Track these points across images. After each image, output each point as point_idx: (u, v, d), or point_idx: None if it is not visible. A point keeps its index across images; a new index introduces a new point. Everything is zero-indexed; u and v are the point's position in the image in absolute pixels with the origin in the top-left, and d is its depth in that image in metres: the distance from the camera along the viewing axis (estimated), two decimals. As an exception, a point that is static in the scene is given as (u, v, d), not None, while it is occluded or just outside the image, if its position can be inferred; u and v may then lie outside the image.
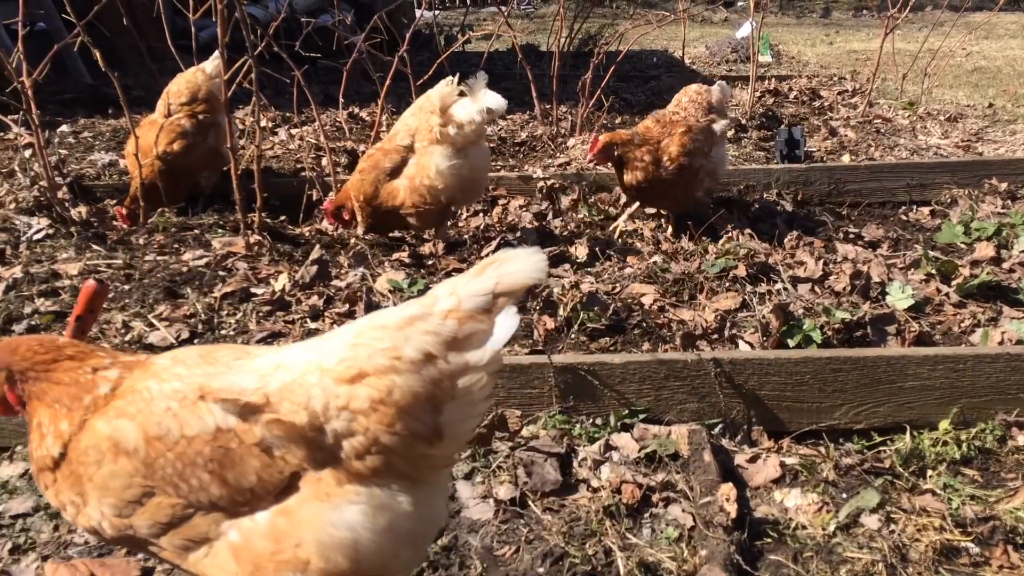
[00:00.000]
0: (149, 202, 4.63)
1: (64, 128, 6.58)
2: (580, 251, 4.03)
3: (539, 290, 3.54)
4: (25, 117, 4.59)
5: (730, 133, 6.18)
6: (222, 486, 1.58)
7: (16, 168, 5.40)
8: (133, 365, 1.73)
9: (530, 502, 2.43)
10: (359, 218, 4.01)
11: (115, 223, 4.58)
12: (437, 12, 6.41)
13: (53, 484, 1.67)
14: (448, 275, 3.78)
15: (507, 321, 1.58)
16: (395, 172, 3.84)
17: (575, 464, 2.56)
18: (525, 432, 2.67)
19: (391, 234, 4.25)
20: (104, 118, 6.99)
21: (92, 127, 6.74)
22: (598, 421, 2.72)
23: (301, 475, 1.57)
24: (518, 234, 4.16)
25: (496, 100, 3.71)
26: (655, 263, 3.90)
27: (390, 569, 1.64)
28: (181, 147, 4.70)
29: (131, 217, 4.59)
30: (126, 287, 3.64)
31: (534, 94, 6.58)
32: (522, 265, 1.56)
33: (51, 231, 4.33)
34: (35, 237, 4.25)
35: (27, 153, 5.93)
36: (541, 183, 4.90)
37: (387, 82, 4.92)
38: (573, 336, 3.24)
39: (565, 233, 4.40)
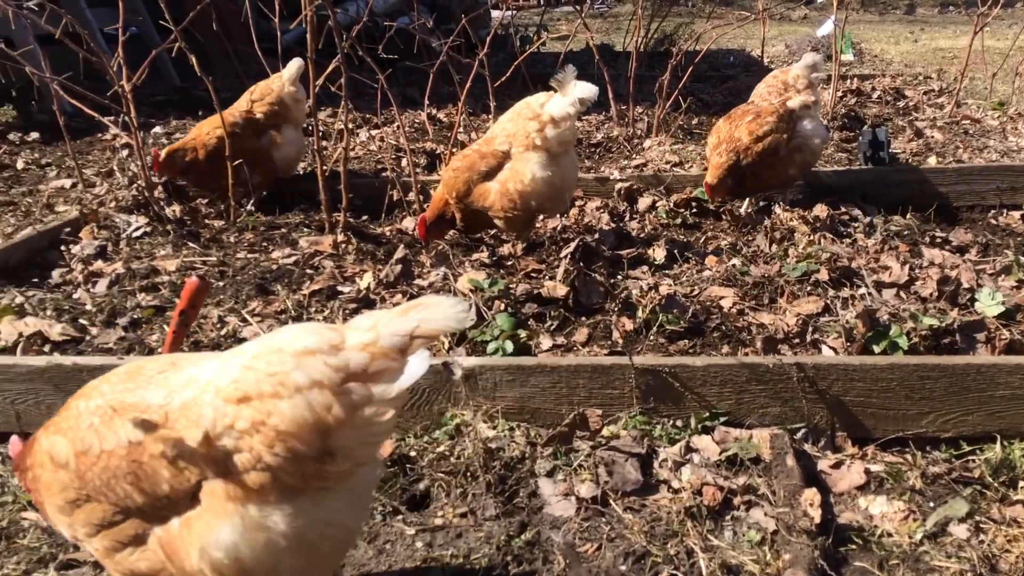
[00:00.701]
0: (192, 182, 4.86)
1: (157, 129, 6.86)
2: (658, 253, 4.04)
3: (618, 292, 3.57)
4: (125, 119, 4.82)
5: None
6: (141, 494, 1.71)
7: (115, 168, 5.67)
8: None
9: (611, 501, 2.46)
10: (455, 216, 4.10)
11: (208, 215, 4.79)
12: (513, 13, 6.45)
13: (25, 483, 1.91)
14: (527, 276, 3.84)
15: (418, 363, 1.65)
16: (489, 175, 3.92)
17: (655, 465, 2.58)
18: (605, 432, 2.71)
19: (473, 235, 4.32)
20: (194, 119, 7.26)
21: (183, 128, 7.01)
22: (678, 423, 2.74)
23: (202, 485, 1.68)
24: (596, 236, 4.19)
25: (587, 89, 3.77)
26: (734, 266, 3.89)
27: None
28: (221, 135, 4.71)
29: (162, 166, 4.88)
30: (221, 283, 3.80)
31: (610, 95, 6.58)
32: (443, 313, 1.62)
33: (148, 229, 4.54)
34: (134, 235, 4.47)
35: (123, 153, 6.22)
36: (619, 184, 4.92)
37: (467, 85, 5.00)
38: (652, 338, 3.26)
39: (642, 235, 4.41)
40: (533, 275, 3.84)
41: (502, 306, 3.43)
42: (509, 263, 4.02)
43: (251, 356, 1.68)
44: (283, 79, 4.99)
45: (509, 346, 3.13)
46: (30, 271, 4.07)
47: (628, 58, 8.31)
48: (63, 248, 4.29)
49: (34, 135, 6.74)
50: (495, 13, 12.71)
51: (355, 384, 1.62)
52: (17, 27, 6.85)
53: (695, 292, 3.66)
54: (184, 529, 1.70)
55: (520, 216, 3.90)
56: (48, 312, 3.51)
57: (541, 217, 4.33)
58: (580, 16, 6.90)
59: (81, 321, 3.46)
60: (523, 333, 3.23)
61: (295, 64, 5.02)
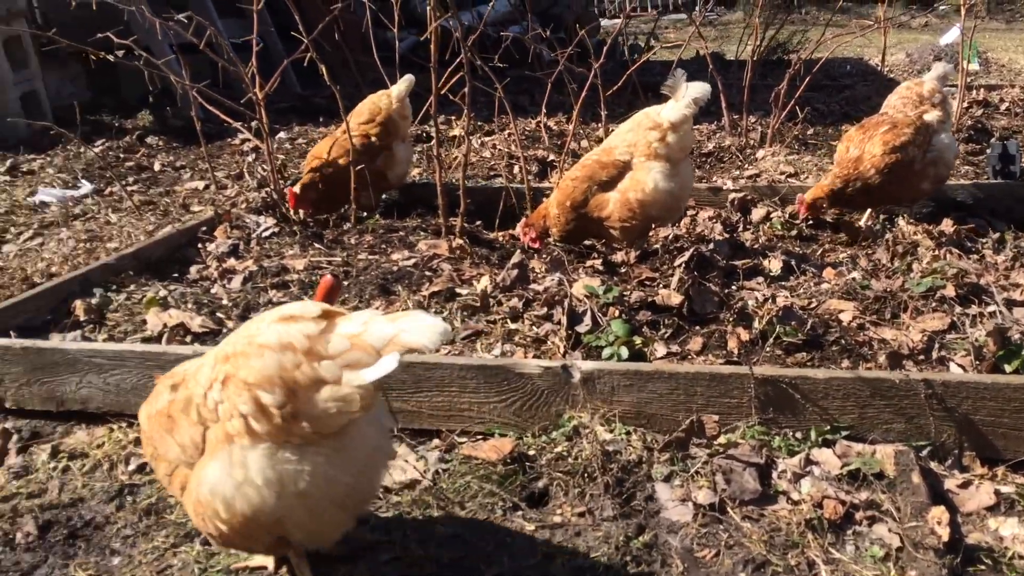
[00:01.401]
0: (311, 205, 4.99)
1: (281, 135, 7.19)
2: (774, 264, 4.00)
3: (733, 302, 3.57)
4: (257, 126, 5.10)
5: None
6: (177, 444, 2.04)
7: (244, 171, 5.98)
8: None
9: (729, 509, 2.47)
10: (555, 223, 4.16)
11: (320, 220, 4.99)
12: (624, 21, 6.45)
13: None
14: (641, 283, 3.87)
15: (388, 361, 1.80)
16: (608, 185, 3.98)
17: (774, 476, 2.58)
18: (722, 440, 2.72)
19: (574, 244, 4.37)
20: (315, 126, 7.58)
21: (305, 134, 7.33)
22: (798, 435, 2.72)
23: (206, 434, 1.98)
24: (710, 245, 4.18)
25: (700, 88, 3.80)
26: (854, 279, 3.83)
27: (263, 520, 1.96)
28: (346, 163, 4.94)
29: (298, 200, 4.95)
30: (345, 283, 3.97)
31: (723, 104, 6.54)
32: (423, 330, 1.79)
33: (276, 229, 4.78)
34: (264, 235, 4.71)
35: (251, 158, 6.55)
36: (732, 195, 4.89)
37: (582, 94, 5.07)
38: (768, 350, 3.24)
39: (756, 246, 4.38)
40: (647, 283, 3.87)
41: (616, 313, 3.47)
42: (622, 271, 4.06)
43: (248, 325, 1.97)
44: (391, 96, 5.08)
45: (624, 352, 3.17)
46: (171, 266, 4.35)
47: (740, 67, 8.24)
48: (200, 246, 4.56)
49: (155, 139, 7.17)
50: (605, 22, 12.77)
51: (328, 363, 1.83)
52: (150, 37, 7.30)
53: (813, 305, 3.61)
54: (197, 470, 2.02)
55: (638, 226, 3.94)
56: (189, 305, 3.75)
57: (653, 226, 4.35)
58: (693, 24, 6.88)
59: (219, 314, 3.68)
60: (638, 340, 3.27)
61: (405, 82, 5.11)
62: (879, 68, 9.63)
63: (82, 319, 3.63)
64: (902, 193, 4.46)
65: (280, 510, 1.93)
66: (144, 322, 3.61)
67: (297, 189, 4.95)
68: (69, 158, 6.49)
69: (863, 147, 4.38)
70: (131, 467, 2.86)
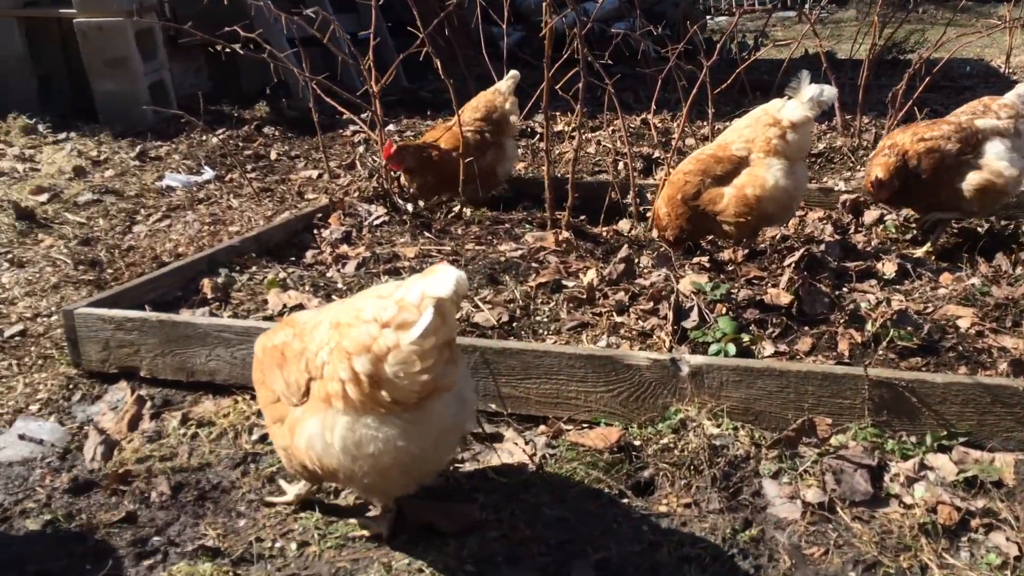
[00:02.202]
0: (403, 161, 5.05)
1: (391, 127, 7.38)
2: (888, 267, 3.92)
3: (844, 304, 3.52)
4: (371, 117, 5.27)
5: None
6: (283, 379, 2.30)
7: (356, 162, 6.18)
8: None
9: (838, 509, 2.46)
10: (668, 222, 4.16)
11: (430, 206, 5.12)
12: (737, 18, 6.34)
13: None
14: (748, 282, 3.85)
15: (426, 316, 1.99)
16: (723, 179, 3.96)
17: (886, 479, 2.55)
18: (833, 441, 2.70)
19: (700, 241, 4.34)
20: (422, 119, 7.76)
21: (413, 126, 7.51)
22: (912, 439, 2.68)
23: (311, 385, 2.22)
24: (821, 246, 4.12)
25: (826, 91, 3.76)
26: (973, 285, 3.71)
27: (341, 476, 2.25)
28: (457, 154, 5.04)
29: (394, 157, 4.99)
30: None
31: (836, 104, 6.38)
32: (445, 281, 1.99)
33: (387, 218, 4.93)
34: (375, 223, 4.87)
35: (361, 148, 6.75)
36: (844, 196, 4.80)
37: (693, 92, 5.04)
38: (881, 353, 3.19)
39: (869, 248, 4.29)
40: (754, 282, 3.84)
41: (724, 310, 3.47)
42: (729, 269, 4.04)
43: (358, 297, 2.24)
44: (504, 93, 5.16)
45: (731, 349, 3.17)
46: (289, 250, 4.54)
47: (852, 66, 8.02)
48: (315, 231, 4.75)
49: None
50: (710, 19, 12.61)
51: (387, 329, 2.04)
52: (274, 31, 7.60)
53: (928, 309, 3.53)
54: (300, 417, 2.26)
55: (751, 223, 3.91)
56: (306, 287, 3.92)
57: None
58: (806, 21, 6.74)
59: (334, 297, 3.84)
60: (745, 337, 3.26)
61: (511, 78, 5.18)
62: (1002, 70, 9.22)
63: (209, 297, 3.84)
64: (940, 196, 4.20)
65: (355, 470, 2.20)
66: (265, 302, 3.79)
67: (397, 149, 5.01)
68: (193, 145, 6.83)
69: (895, 137, 4.29)
70: (254, 437, 3.02)
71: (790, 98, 3.85)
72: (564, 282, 3.90)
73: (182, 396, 3.32)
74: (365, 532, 2.50)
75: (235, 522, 2.61)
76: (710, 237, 4.32)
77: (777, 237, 4.44)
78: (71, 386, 3.38)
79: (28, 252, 4.76)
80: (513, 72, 5.27)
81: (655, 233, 4.46)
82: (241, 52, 4.98)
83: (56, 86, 7.84)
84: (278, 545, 2.49)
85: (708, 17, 14.41)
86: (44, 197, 5.60)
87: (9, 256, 4.69)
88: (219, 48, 5.21)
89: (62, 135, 6.98)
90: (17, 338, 3.79)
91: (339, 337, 2.12)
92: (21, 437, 3.05)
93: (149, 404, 3.24)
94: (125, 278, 4.31)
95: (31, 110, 7.27)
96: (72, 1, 7.20)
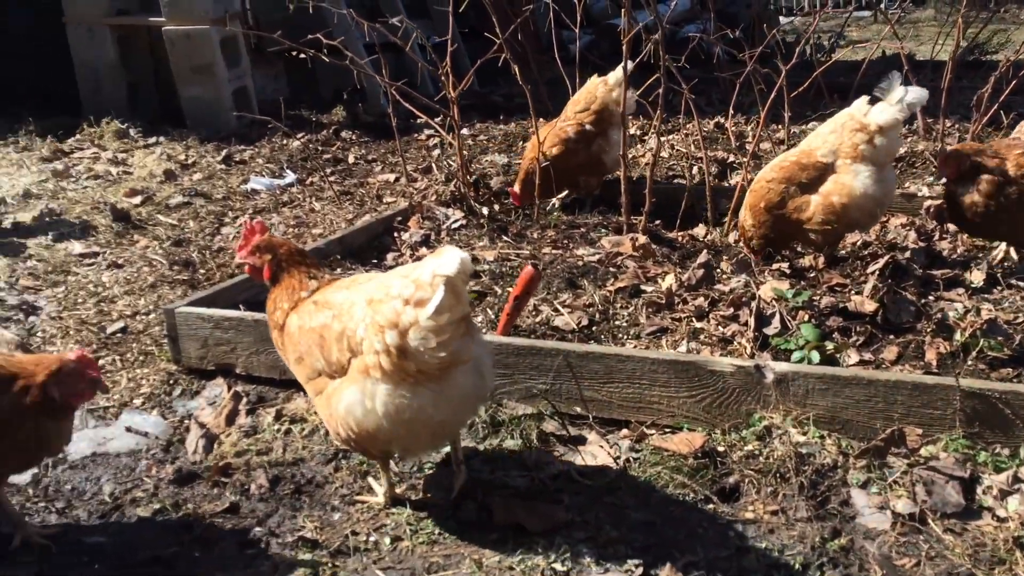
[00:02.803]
0: (529, 191, 5.17)
1: (464, 131, 7.49)
2: (976, 276, 3.85)
3: (931, 312, 3.48)
4: (449, 122, 5.38)
5: None
6: (322, 358, 2.49)
7: (433, 165, 6.30)
8: (321, 284, 2.69)
9: (929, 520, 2.45)
10: (752, 231, 4.14)
11: (512, 210, 5.19)
12: (815, 19, 6.24)
13: (278, 338, 2.75)
14: (831, 289, 3.82)
15: (438, 293, 2.20)
16: (808, 187, 3.94)
17: (979, 491, 2.53)
18: (923, 451, 2.68)
19: (782, 249, 4.31)
20: (495, 123, 7.85)
21: (486, 130, 7.61)
22: (1006, 451, 2.65)
23: (351, 361, 2.41)
24: (906, 253, 4.07)
25: (916, 93, 3.71)
26: (1066, 295, 3.63)
27: (380, 437, 2.45)
28: (560, 151, 5.17)
29: (521, 196, 5.19)
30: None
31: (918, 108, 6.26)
32: (451, 260, 2.21)
33: (464, 222, 5.03)
34: (453, 226, 4.97)
35: (436, 152, 6.87)
36: (928, 202, 4.71)
37: (771, 96, 5.02)
38: (970, 363, 3.15)
39: (955, 256, 4.22)
40: (837, 289, 3.82)
41: (806, 317, 3.46)
42: (810, 275, 4.02)
43: (387, 277, 2.44)
44: (608, 84, 5.16)
45: (815, 356, 3.17)
46: (370, 252, 4.67)
47: (932, 68, 7.84)
48: (395, 234, 4.87)
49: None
50: (783, 19, 12.43)
51: (408, 306, 2.26)
52: (350, 38, 7.78)
53: (1019, 320, 3.46)
54: (338, 387, 2.46)
55: (836, 230, 3.90)
56: (390, 289, 4.02)
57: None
58: (886, 21, 6.62)
59: (417, 299, 3.94)
60: (829, 345, 3.25)
61: (617, 71, 5.14)
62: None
63: (298, 297, 3.97)
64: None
65: (391, 432, 2.42)
66: (352, 303, 3.91)
67: (517, 188, 5.19)
68: (275, 149, 7.04)
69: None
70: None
71: (877, 100, 3.81)
72: (643, 287, 3.94)
73: (275, 393, 3.45)
74: (366, 499, 2.73)
75: (330, 515, 2.71)
76: (791, 244, 4.30)
77: (859, 244, 4.39)
78: (171, 381, 3.55)
79: (125, 252, 4.99)
80: (620, 68, 5.15)
81: (732, 238, 4.46)
82: (325, 59, 5.12)
83: (145, 92, 8.16)
84: (372, 539, 2.58)
85: (780, 17, 14.21)
86: (138, 199, 5.85)
87: (109, 256, 4.91)
88: (301, 55, 5.36)
89: (152, 139, 7.27)
90: (119, 335, 3.98)
91: (373, 313, 2.34)
92: (128, 429, 3.22)
93: (245, 400, 3.38)
94: (217, 278, 4.49)
95: (122, 115, 7.58)
96: (161, 10, 7.48)
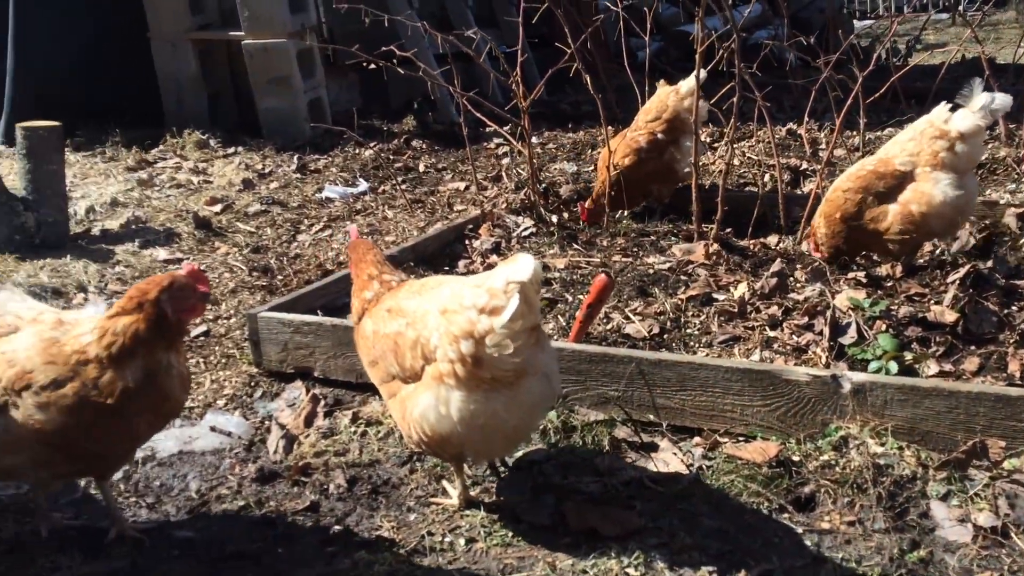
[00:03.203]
0: (607, 205, 5.18)
1: (532, 139, 7.56)
2: (1062, 286, 3.74)
3: (1015, 323, 3.39)
4: (520, 130, 5.44)
5: None
6: (396, 364, 2.57)
7: (503, 174, 6.37)
8: (387, 286, 2.80)
9: (1012, 534, 2.40)
10: (824, 239, 4.10)
11: (574, 218, 5.21)
12: (875, 22, 6.14)
13: (355, 333, 2.87)
14: (909, 298, 3.75)
15: (513, 301, 2.26)
16: (885, 196, 3.89)
17: (1065, 506, 2.46)
18: (1007, 464, 2.62)
19: (856, 257, 4.26)
20: (563, 131, 7.89)
21: (554, 139, 7.65)
22: (1094, 466, 2.57)
23: (425, 368, 2.48)
24: (988, 263, 3.97)
25: (1000, 99, 3.63)
26: None
27: (453, 441, 2.52)
28: (632, 161, 5.16)
29: (591, 214, 5.19)
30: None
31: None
32: (522, 267, 2.26)
33: (534, 230, 5.07)
34: (523, 234, 5.02)
35: (505, 161, 6.95)
36: (1011, 209, 4.59)
37: (847, 102, 4.94)
38: (1057, 375, 3.06)
39: (1039, 264, 4.10)
40: (915, 298, 3.74)
41: (883, 327, 3.41)
42: (888, 284, 3.95)
43: (460, 283, 2.50)
44: (679, 93, 5.12)
45: (893, 367, 3.12)
46: (441, 260, 4.75)
47: (1015, 72, 7.62)
48: (466, 242, 4.94)
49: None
50: (858, 24, 12.21)
51: (483, 315, 2.31)
52: (421, 49, 7.92)
53: (1108, 332, 3.35)
54: (412, 392, 2.54)
55: (915, 240, 3.84)
56: (463, 296, 4.09)
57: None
58: (965, 24, 6.46)
59: (489, 306, 4.00)
60: (908, 356, 3.20)
61: (690, 79, 5.11)
62: None
63: (373, 303, 4.07)
64: None
65: (464, 437, 2.49)
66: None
67: (588, 204, 5.20)
68: (348, 158, 7.20)
69: None
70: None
71: (958, 107, 3.73)
72: (714, 295, 3.92)
73: (351, 396, 3.54)
74: (441, 501, 2.80)
75: (406, 516, 2.78)
76: (865, 253, 4.23)
77: (936, 252, 4.30)
78: (253, 383, 3.67)
79: (207, 259, 5.18)
80: (693, 76, 5.11)
81: (805, 246, 4.40)
82: (400, 71, 5.24)
83: (224, 103, 8.43)
84: (447, 540, 2.64)
85: (854, 21, 13.93)
86: (218, 208, 6.05)
87: (192, 262, 5.10)
88: (374, 66, 5.49)
89: (231, 149, 7.51)
90: (202, 338, 4.14)
91: (447, 323, 2.40)
92: (212, 429, 3.34)
93: (323, 403, 3.48)
94: (293, 284, 4.62)
95: (202, 126, 7.85)
96: (241, 25, 7.73)
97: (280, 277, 4.81)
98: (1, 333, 2.55)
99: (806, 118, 5.59)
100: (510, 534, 2.63)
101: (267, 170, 6.95)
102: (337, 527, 2.73)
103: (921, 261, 4.22)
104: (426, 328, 2.49)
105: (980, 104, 3.67)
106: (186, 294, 2.54)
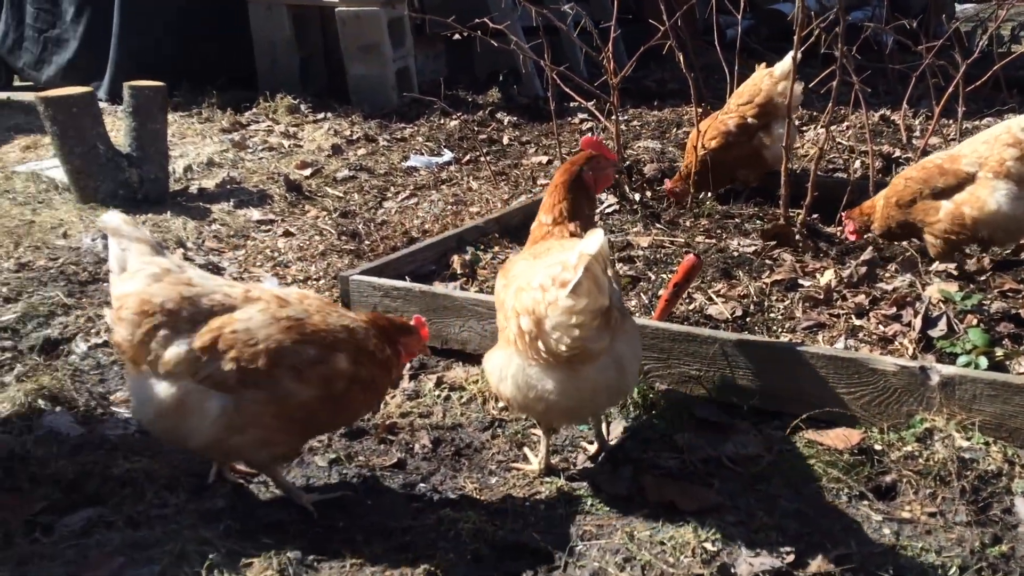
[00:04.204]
0: (692, 186, 5.17)
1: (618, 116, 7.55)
2: None
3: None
4: (608, 107, 5.45)
5: None
6: (500, 315, 2.65)
7: (588, 150, 6.38)
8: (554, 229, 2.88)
9: (1101, 537, 2.37)
10: (878, 217, 4.13)
11: (664, 198, 5.21)
12: (978, 5, 5.89)
13: None
14: (1003, 294, 3.68)
15: (579, 272, 2.27)
16: (942, 193, 3.90)
17: None
18: (1097, 466, 2.59)
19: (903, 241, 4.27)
20: (649, 108, 7.86)
21: (639, 116, 7.63)
22: None
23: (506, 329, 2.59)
24: (1087, 261, 3.86)
25: None
26: None
27: (513, 405, 2.67)
28: (719, 144, 5.13)
29: (676, 194, 5.19)
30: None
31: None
32: (594, 241, 2.27)
33: (618, 207, 5.10)
34: (607, 211, 5.05)
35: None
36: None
37: (947, 91, 4.82)
38: None
39: None
40: (1009, 294, 3.67)
41: (974, 321, 3.36)
42: (980, 278, 3.87)
43: (549, 263, 2.50)
44: (774, 76, 5.05)
45: (983, 362, 3.08)
46: (525, 232, 4.74)
47: None
48: (550, 216, 4.99)
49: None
50: (960, 7, 11.76)
51: (552, 288, 2.37)
52: (511, 21, 7.95)
53: None
54: (495, 347, 2.71)
55: (961, 241, 3.88)
56: (546, 269, 4.16)
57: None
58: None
59: (572, 280, 4.05)
60: (999, 351, 3.15)
61: (785, 62, 5.00)
62: None
63: (458, 272, 4.18)
64: None
65: (520, 403, 2.62)
66: (508, 280, 4.07)
67: (677, 181, 5.21)
68: (433, 128, 7.32)
69: None
70: (500, 404, 3.29)
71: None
72: (800, 281, 3.91)
73: (436, 361, 3.65)
74: (522, 467, 2.87)
75: (487, 479, 2.88)
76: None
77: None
78: (342, 343, 3.80)
79: (298, 221, 5.35)
80: (787, 58, 5.00)
81: (855, 217, 4.36)
82: (492, 43, 5.29)
83: (314, 68, 8.62)
84: (527, 504, 2.73)
85: (956, 4, 13.41)
86: (308, 172, 6.23)
87: (283, 224, 5.29)
88: (462, 36, 5.53)
89: (320, 115, 7.70)
90: (294, 297, 4.29)
91: (515, 300, 2.50)
92: (304, 384, 3.49)
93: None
94: (380, 250, 4.76)
95: (293, 90, 8.05)
96: (334, -9, 7.89)
97: (367, 242, 4.95)
98: (218, 311, 2.47)
99: (905, 106, 5.44)
100: (589, 503, 2.71)
101: (355, 136, 7.11)
102: (423, 485, 2.84)
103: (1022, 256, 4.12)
104: (509, 296, 2.59)
105: None
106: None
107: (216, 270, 4.64)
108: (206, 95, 8.07)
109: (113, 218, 2.56)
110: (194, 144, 6.93)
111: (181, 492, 2.73)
